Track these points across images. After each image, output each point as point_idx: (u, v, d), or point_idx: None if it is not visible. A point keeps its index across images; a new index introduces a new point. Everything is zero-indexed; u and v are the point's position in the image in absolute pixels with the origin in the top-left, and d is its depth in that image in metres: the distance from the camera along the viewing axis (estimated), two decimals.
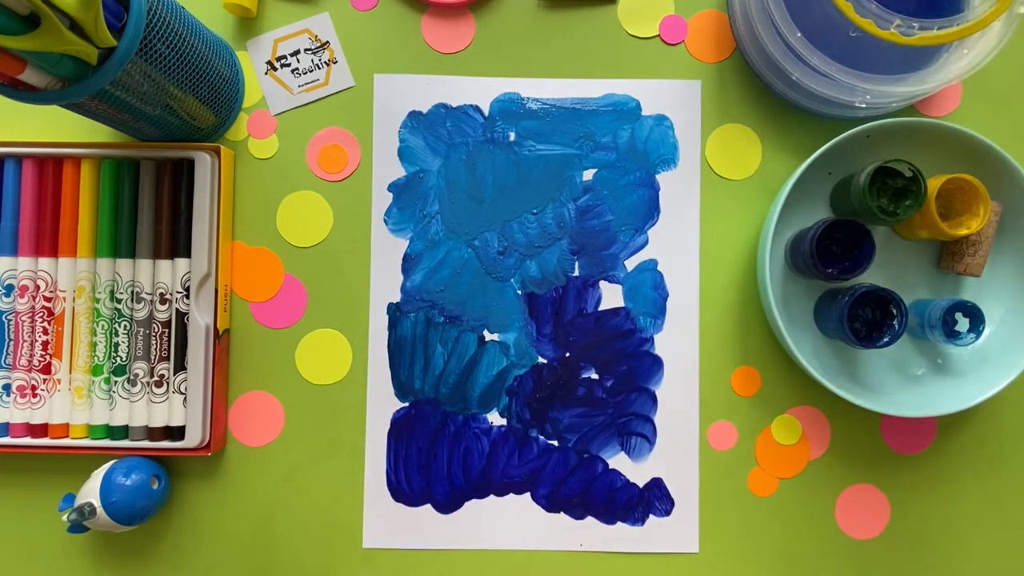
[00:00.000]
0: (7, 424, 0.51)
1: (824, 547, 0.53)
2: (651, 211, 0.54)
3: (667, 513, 0.53)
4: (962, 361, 0.52)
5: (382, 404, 0.53)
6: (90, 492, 0.48)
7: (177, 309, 0.51)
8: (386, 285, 0.54)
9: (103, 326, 0.51)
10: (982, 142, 0.49)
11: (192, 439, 0.50)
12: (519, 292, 0.54)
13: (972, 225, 0.48)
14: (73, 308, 0.51)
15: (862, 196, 0.47)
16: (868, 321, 0.50)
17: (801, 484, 0.53)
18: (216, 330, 0.51)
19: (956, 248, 0.51)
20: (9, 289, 0.51)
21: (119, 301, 0.51)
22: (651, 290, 0.54)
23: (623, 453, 0.53)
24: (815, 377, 0.49)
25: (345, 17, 0.55)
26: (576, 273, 0.54)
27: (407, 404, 0.54)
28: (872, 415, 0.53)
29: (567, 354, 0.54)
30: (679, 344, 0.54)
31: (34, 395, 0.51)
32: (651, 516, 0.53)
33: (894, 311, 0.48)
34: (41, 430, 0.51)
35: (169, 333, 0.51)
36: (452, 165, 0.54)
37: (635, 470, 0.53)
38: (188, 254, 0.51)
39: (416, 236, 0.54)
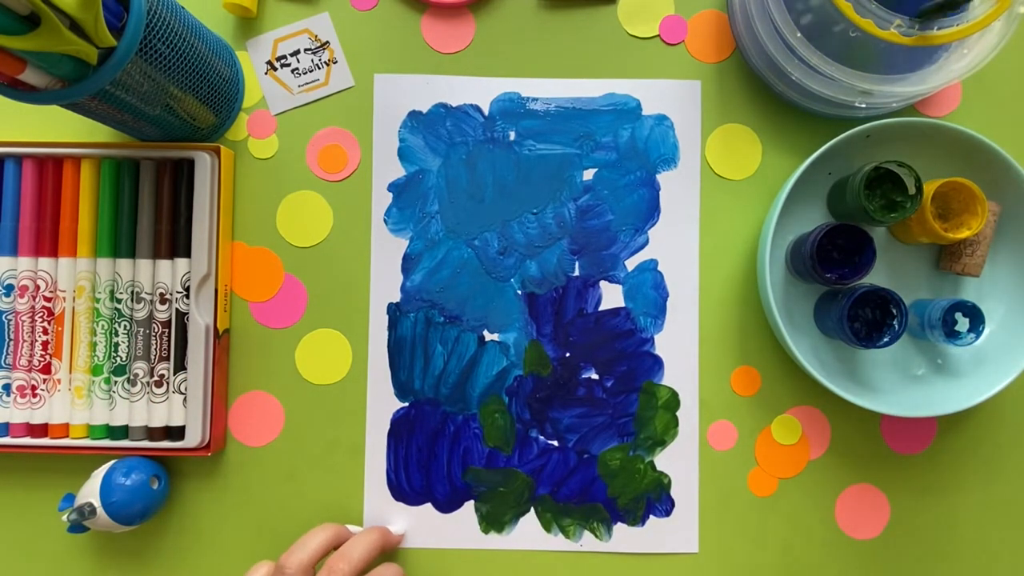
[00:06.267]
0: (7, 424, 0.51)
1: (824, 547, 0.53)
2: (651, 211, 0.54)
3: (667, 513, 0.53)
4: (962, 361, 0.52)
5: (382, 404, 0.53)
6: (90, 492, 0.48)
7: (177, 309, 0.51)
8: (386, 285, 0.54)
9: (103, 326, 0.51)
10: (982, 142, 0.49)
11: (192, 439, 0.50)
12: (519, 292, 0.54)
13: (973, 225, 0.48)
14: (73, 308, 0.51)
15: (858, 197, 0.47)
16: (868, 321, 0.50)
17: (801, 484, 0.53)
18: (216, 330, 0.51)
19: (954, 248, 0.51)
20: (9, 289, 0.51)
21: (119, 301, 0.51)
22: (651, 290, 0.54)
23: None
24: (815, 377, 0.49)
25: (345, 17, 0.55)
26: (576, 273, 0.54)
27: (407, 404, 0.53)
28: (872, 415, 0.53)
29: (567, 354, 0.54)
30: (679, 344, 0.54)
31: (34, 395, 0.51)
32: (651, 516, 0.53)
33: (894, 311, 0.48)
34: (41, 430, 0.51)
35: (169, 333, 0.51)
36: (452, 165, 0.54)
37: None
38: (188, 254, 0.51)
39: (416, 236, 0.54)
